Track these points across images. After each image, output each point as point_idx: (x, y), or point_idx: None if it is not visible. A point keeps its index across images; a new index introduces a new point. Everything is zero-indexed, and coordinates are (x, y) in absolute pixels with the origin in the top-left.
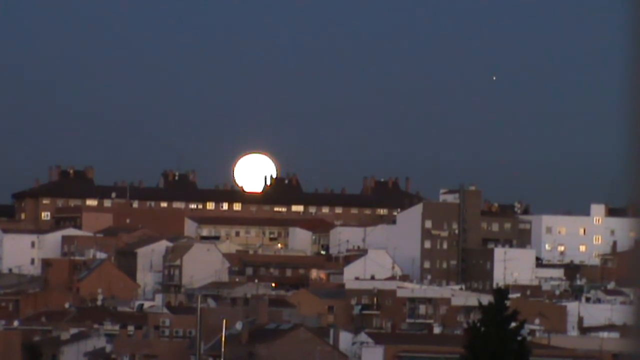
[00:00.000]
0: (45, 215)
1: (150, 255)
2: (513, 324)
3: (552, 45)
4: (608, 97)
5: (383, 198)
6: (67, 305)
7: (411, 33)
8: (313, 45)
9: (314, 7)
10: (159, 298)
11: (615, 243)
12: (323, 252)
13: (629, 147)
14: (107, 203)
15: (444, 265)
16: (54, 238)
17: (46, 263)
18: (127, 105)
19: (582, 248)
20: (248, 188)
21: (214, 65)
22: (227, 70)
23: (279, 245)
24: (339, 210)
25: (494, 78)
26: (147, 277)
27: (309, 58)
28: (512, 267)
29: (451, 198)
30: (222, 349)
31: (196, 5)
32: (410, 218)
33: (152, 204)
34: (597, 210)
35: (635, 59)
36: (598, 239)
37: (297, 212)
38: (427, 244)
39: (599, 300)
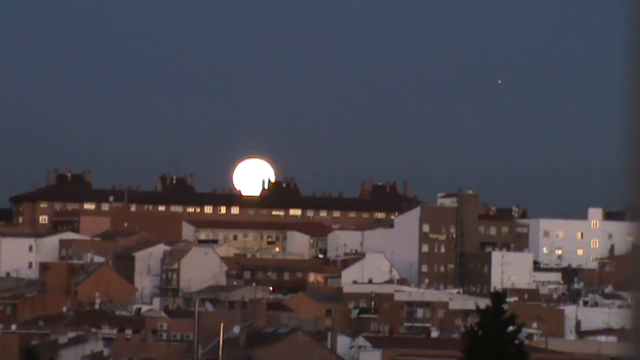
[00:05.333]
0: (43, 219)
1: (148, 259)
2: (511, 328)
3: (550, 51)
4: (605, 102)
5: (381, 202)
6: (64, 309)
7: (410, 37)
8: (311, 51)
9: (312, 13)
10: (156, 302)
11: (612, 247)
12: (321, 256)
13: (627, 150)
14: (105, 207)
15: (442, 269)
16: (51, 242)
17: (44, 267)
18: (125, 109)
19: (580, 252)
20: (246, 192)
21: (213, 69)
22: (225, 74)
23: (277, 248)
24: (336, 214)
25: (500, 82)
26: (144, 281)
27: (307, 64)
28: (509, 270)
29: (449, 202)
30: (220, 353)
31: (197, 11)
32: (408, 222)
33: (150, 207)
34: (595, 214)
35: (634, 62)
36: (595, 242)
37: (295, 216)
38: (425, 248)
39: (596, 304)
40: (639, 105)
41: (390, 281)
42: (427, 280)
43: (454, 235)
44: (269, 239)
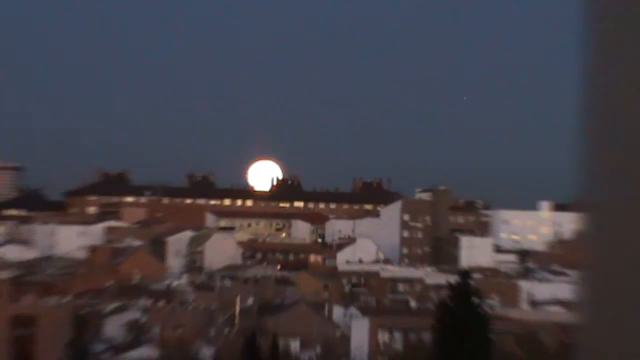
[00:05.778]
0: (91, 210)
1: (178, 243)
2: (476, 300)
3: (507, 59)
4: (558, 116)
5: (369, 196)
6: (108, 284)
7: (405, 39)
8: (315, 71)
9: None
10: (184, 278)
11: (559, 233)
12: (320, 240)
13: (575, 152)
14: (142, 200)
15: (419, 251)
16: (98, 228)
17: (92, 249)
18: (160, 119)
19: (533, 236)
20: (258, 188)
21: (232, 85)
22: (241, 89)
23: (283, 234)
24: (332, 205)
25: (465, 99)
26: (174, 261)
27: (312, 83)
28: (475, 252)
29: (425, 196)
30: (236, 320)
31: (223, 24)
32: (392, 212)
33: (179, 200)
34: (545, 206)
35: (585, 63)
36: (545, 229)
37: (299, 207)
38: (405, 234)
39: (546, 280)
40: (586, 111)
41: (377, 261)
42: (407, 260)
43: (429, 223)
44: (277, 226)
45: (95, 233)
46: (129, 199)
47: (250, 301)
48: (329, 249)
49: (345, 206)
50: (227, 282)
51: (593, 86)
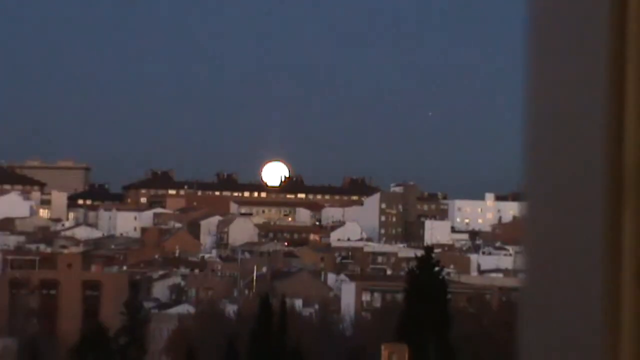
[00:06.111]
0: (143, 200)
1: (209, 225)
2: (437, 269)
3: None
4: (505, 120)
5: (355, 189)
6: (156, 257)
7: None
8: (312, 88)
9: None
10: (214, 252)
11: (500, 218)
12: (317, 223)
13: (523, 150)
14: (182, 192)
15: (393, 231)
16: (148, 214)
17: (144, 230)
18: (196, 130)
19: (480, 220)
20: (270, 183)
21: (252, 103)
22: (258, 103)
23: (290, 219)
24: (327, 197)
25: (430, 114)
26: (207, 239)
27: (311, 100)
28: (435, 232)
29: (398, 189)
30: (254, 284)
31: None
32: (373, 202)
33: (210, 193)
34: (489, 197)
35: (530, 59)
36: (490, 215)
37: (301, 198)
38: (383, 218)
39: (490, 254)
40: (529, 114)
41: (361, 239)
42: (384, 239)
43: (401, 210)
44: (285, 213)
45: (146, 218)
46: (172, 192)
47: (264, 270)
48: (325, 230)
49: (337, 197)
50: (247, 255)
51: (531, 87)
